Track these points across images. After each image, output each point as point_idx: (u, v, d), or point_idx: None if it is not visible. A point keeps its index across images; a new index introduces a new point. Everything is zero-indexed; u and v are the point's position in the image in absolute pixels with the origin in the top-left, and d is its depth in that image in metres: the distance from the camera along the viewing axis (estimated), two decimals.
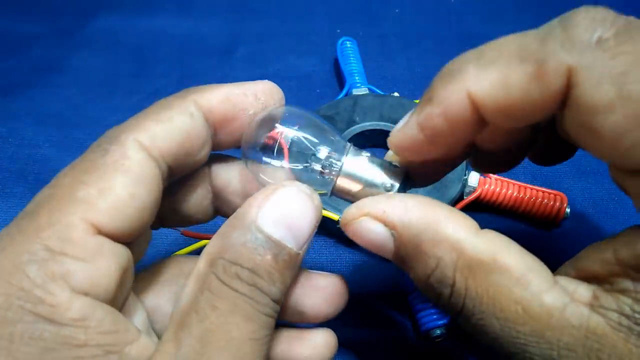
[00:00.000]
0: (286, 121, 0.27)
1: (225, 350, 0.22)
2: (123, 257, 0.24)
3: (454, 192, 0.43)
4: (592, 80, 0.20)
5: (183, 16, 0.67)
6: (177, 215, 0.30)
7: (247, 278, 0.23)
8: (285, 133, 0.27)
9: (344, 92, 0.55)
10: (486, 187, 0.43)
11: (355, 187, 0.27)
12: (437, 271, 0.24)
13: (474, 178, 0.44)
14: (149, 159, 0.24)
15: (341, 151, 0.27)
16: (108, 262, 0.22)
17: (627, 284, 0.22)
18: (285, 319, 0.28)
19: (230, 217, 0.25)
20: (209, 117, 0.27)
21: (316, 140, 0.28)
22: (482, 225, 0.24)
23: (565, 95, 0.21)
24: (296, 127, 0.27)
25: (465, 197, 0.43)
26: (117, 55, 0.62)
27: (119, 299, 0.24)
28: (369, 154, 0.28)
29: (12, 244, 0.21)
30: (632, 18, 0.21)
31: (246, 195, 0.28)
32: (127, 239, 0.24)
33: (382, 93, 0.54)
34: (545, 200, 0.43)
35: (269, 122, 0.27)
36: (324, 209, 0.28)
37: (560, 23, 0.21)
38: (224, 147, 0.29)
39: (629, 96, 0.19)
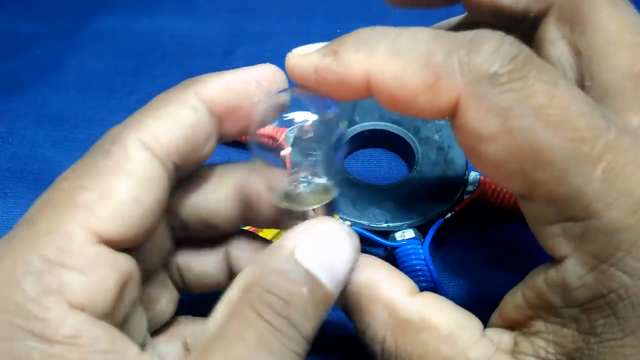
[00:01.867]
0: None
1: None
2: (124, 268, 0.22)
3: (453, 192, 0.43)
4: (479, 110, 0.21)
5: (183, 16, 0.67)
6: (201, 224, 0.29)
7: (280, 309, 0.21)
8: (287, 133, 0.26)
9: None
10: (486, 187, 0.43)
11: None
12: (369, 328, 0.25)
13: (474, 178, 0.44)
14: (153, 159, 0.24)
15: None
16: (107, 274, 0.21)
17: (540, 325, 0.22)
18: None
19: (267, 248, 0.24)
20: (213, 108, 0.26)
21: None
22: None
23: (453, 113, 0.22)
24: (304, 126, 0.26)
25: (465, 197, 0.43)
26: (117, 55, 0.62)
27: (120, 313, 0.23)
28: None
29: (9, 254, 0.21)
30: (533, 55, 0.22)
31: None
32: (130, 245, 0.23)
33: None
34: None
35: (274, 113, 0.26)
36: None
37: (469, 43, 0.22)
38: (231, 138, 0.28)
39: (510, 130, 0.21)
